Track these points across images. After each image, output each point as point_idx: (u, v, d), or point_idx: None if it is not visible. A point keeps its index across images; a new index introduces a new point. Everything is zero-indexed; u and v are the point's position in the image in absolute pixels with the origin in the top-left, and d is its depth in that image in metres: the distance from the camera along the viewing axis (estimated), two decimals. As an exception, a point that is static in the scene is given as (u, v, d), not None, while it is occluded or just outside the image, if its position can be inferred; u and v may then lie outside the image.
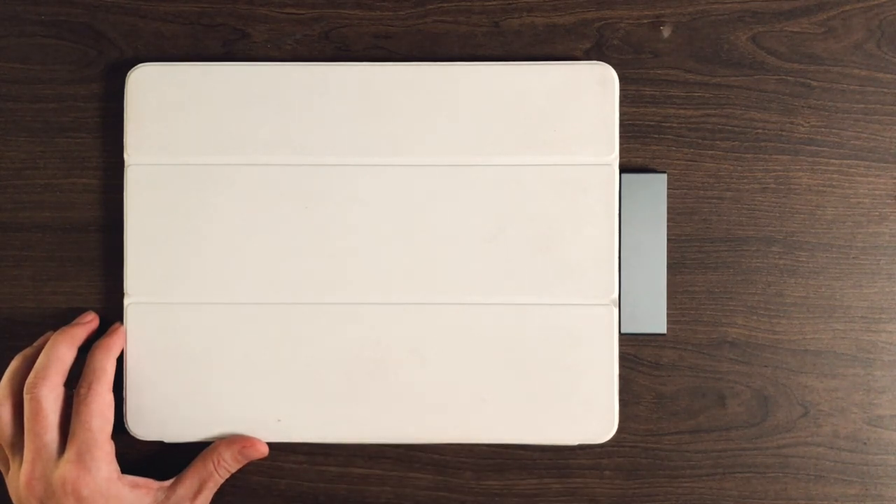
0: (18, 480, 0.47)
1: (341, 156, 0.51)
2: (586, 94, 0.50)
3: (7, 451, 0.48)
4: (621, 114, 0.51)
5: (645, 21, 0.52)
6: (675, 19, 0.52)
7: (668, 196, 0.52)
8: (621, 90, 0.51)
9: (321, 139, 0.51)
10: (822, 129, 0.52)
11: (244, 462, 0.50)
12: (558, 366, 0.50)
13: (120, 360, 0.50)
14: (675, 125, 0.52)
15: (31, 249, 0.52)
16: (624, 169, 0.51)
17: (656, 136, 0.52)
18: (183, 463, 0.50)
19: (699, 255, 0.52)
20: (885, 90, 0.52)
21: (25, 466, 0.47)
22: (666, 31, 0.52)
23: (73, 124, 0.52)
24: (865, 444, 0.52)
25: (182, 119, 0.51)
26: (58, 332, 0.49)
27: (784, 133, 0.52)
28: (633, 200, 0.51)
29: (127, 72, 0.51)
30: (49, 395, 0.47)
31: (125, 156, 0.51)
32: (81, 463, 0.46)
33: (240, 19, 0.52)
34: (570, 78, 0.51)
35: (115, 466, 0.48)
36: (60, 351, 0.48)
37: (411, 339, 0.50)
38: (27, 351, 0.50)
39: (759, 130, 0.52)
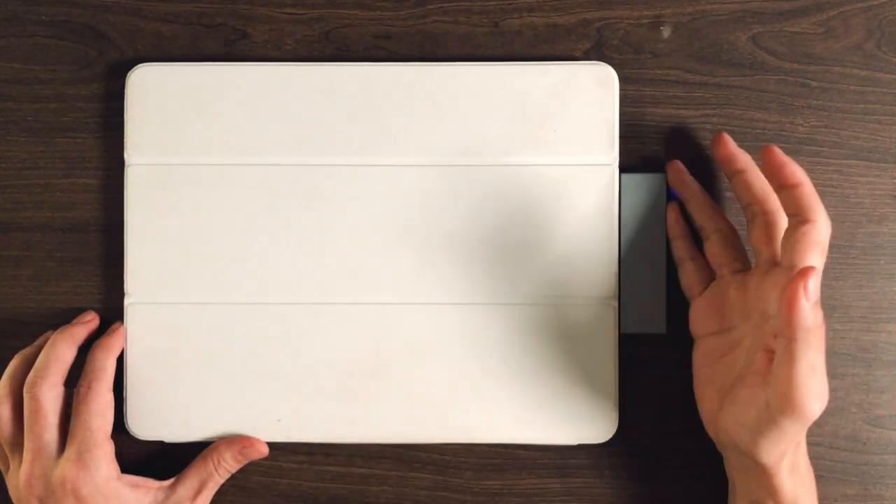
0: (18, 479, 0.47)
1: (341, 156, 0.51)
2: (586, 94, 0.50)
3: (6, 450, 0.48)
4: (621, 114, 0.51)
5: (645, 21, 0.52)
6: (675, 19, 0.52)
7: (669, 196, 0.52)
8: (621, 90, 0.51)
9: (321, 139, 0.51)
10: (822, 129, 0.52)
11: (244, 462, 0.50)
12: (558, 366, 0.50)
13: (120, 360, 0.50)
14: (675, 125, 0.52)
15: (31, 249, 0.52)
16: (624, 169, 0.51)
17: (656, 136, 0.52)
18: (183, 463, 0.50)
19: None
20: (885, 90, 0.52)
21: (25, 465, 0.47)
22: (666, 31, 0.52)
23: (73, 124, 0.52)
24: (865, 443, 0.52)
25: (182, 119, 0.51)
26: (58, 331, 0.49)
27: (784, 133, 0.52)
28: (633, 200, 0.51)
29: (127, 72, 0.51)
30: (49, 395, 0.47)
31: (125, 156, 0.51)
32: (81, 462, 0.46)
33: (240, 19, 0.52)
34: (570, 78, 0.51)
35: (114, 466, 0.48)
36: (60, 350, 0.48)
37: (411, 339, 0.50)
38: (27, 350, 0.50)
39: (759, 130, 0.52)
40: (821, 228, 0.44)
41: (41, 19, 0.53)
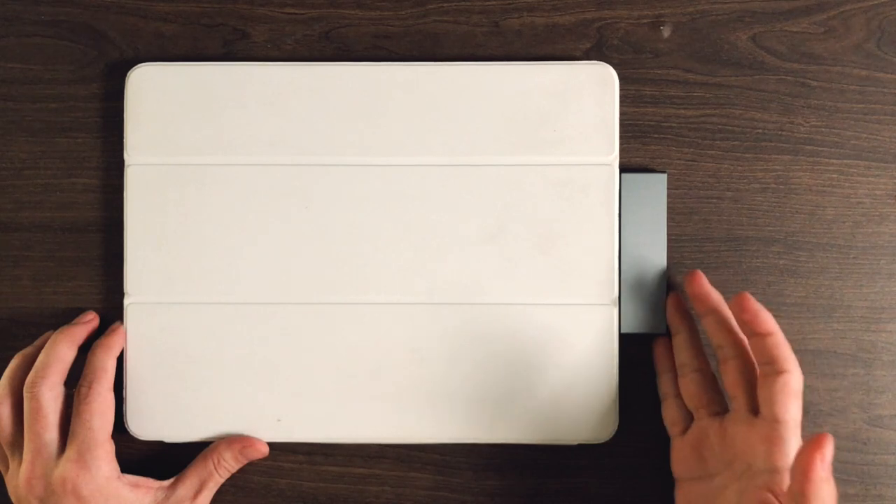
0: (18, 479, 0.47)
1: (341, 156, 0.51)
2: (586, 94, 0.50)
3: (6, 450, 0.48)
4: (621, 114, 0.51)
5: (645, 21, 0.52)
6: (675, 19, 0.52)
7: (668, 196, 0.52)
8: (621, 90, 0.51)
9: (321, 139, 0.51)
10: (822, 129, 0.52)
11: (244, 462, 0.50)
12: (558, 366, 0.50)
13: (120, 360, 0.50)
14: (675, 125, 0.52)
15: (31, 249, 0.52)
16: (624, 169, 0.51)
17: (656, 136, 0.52)
18: (183, 463, 0.50)
19: (699, 255, 0.52)
20: (885, 90, 0.52)
21: (25, 465, 0.47)
22: (666, 31, 0.52)
23: (73, 124, 0.52)
24: (865, 444, 0.52)
25: (182, 119, 0.51)
26: (58, 331, 0.49)
27: (784, 133, 0.52)
28: (633, 200, 0.51)
29: (127, 72, 0.51)
30: (49, 394, 0.47)
31: (125, 156, 0.51)
32: (82, 462, 0.46)
33: (240, 19, 0.52)
34: (570, 78, 0.51)
35: (115, 466, 0.48)
36: (60, 350, 0.48)
37: (411, 339, 0.50)
38: (27, 350, 0.50)
39: (759, 130, 0.52)
40: (797, 378, 0.45)
41: (41, 19, 0.53)
